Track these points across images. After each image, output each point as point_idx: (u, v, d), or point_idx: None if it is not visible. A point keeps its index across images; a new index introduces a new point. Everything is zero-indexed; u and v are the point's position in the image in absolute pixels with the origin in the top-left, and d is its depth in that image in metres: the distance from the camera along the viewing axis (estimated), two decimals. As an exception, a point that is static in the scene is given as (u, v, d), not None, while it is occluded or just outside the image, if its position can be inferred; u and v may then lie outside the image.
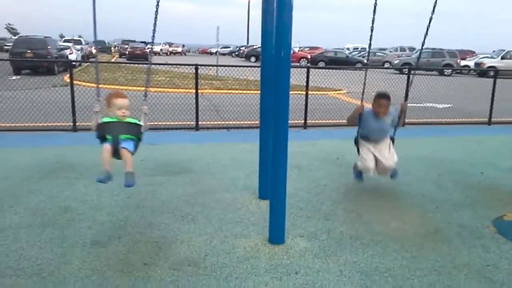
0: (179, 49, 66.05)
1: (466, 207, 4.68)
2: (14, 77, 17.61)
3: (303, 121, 9.37)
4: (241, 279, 3.17)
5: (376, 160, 4.81)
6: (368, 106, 4.88)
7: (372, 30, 4.69)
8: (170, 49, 62.20)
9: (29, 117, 8.65)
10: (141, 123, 3.85)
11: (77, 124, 8.12)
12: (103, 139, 3.76)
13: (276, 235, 3.75)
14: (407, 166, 6.19)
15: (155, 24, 4.02)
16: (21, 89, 12.96)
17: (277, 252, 3.57)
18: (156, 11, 4.00)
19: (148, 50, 34.14)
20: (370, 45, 4.98)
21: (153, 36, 4.10)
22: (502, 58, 29.91)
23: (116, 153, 3.67)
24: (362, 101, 4.85)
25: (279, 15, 3.48)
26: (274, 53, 3.61)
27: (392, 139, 5.02)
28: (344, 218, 4.31)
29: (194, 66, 8.97)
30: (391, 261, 3.47)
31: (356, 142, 5.02)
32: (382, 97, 4.78)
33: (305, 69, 9.86)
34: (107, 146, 3.65)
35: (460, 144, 8.01)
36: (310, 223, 4.17)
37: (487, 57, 32.64)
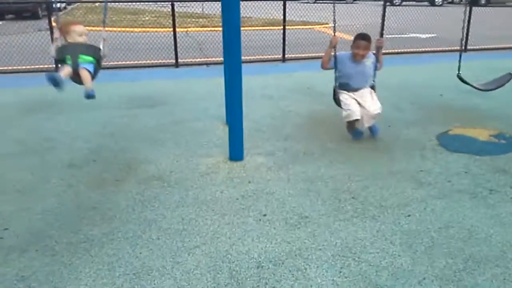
0: None
1: (416, 124, 5.08)
2: (-2, 23, 17.50)
3: (281, 56, 9.58)
4: (200, 189, 3.61)
5: (360, 106, 4.47)
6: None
7: None
8: None
9: (13, 60, 8.86)
10: (101, 47, 4.01)
11: (58, 66, 8.34)
12: (63, 62, 3.87)
13: (235, 153, 4.16)
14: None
15: None
16: (5, 34, 13.03)
17: (235, 167, 4.00)
18: None
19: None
20: None
21: None
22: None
23: (76, 76, 3.84)
24: (334, 33, 4.55)
25: None
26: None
27: (373, 87, 4.69)
28: (301, 138, 4.71)
29: (170, 3, 9.04)
30: (335, 170, 3.90)
31: (335, 93, 4.64)
32: (361, 38, 4.48)
33: (294, 4, 9.92)
34: (67, 67, 3.75)
35: (432, 70, 8.31)
36: (269, 143, 4.57)
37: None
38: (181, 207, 3.33)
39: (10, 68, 8.47)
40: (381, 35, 10.09)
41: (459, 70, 5.22)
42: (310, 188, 3.60)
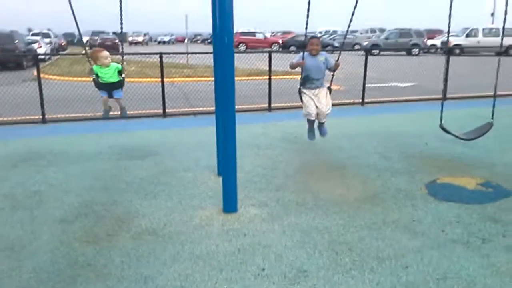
0: (140, 39, 59.19)
1: (405, 173, 5.17)
2: (-18, 74, 17.50)
3: (267, 105, 9.76)
4: (195, 242, 3.57)
5: (316, 107, 5.50)
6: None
7: (351, 21, 5.43)
8: (130, 39, 57.06)
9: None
10: (122, 70, 5.48)
11: (46, 116, 8.35)
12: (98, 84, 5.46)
13: (229, 205, 4.15)
14: (359, 141, 6.67)
15: (121, 14, 5.22)
16: (-11, 85, 12.99)
17: (229, 220, 3.98)
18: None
19: (117, 41, 34.16)
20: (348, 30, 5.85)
21: (121, 26, 5.43)
22: (467, 36, 30.72)
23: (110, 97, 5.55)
24: (303, 58, 5.44)
25: (220, 2, 3.81)
26: (218, 40, 3.96)
27: (330, 89, 5.66)
28: (293, 189, 4.73)
29: (159, 55, 9.22)
30: (330, 221, 3.92)
31: (300, 92, 5.62)
32: (312, 38, 5.66)
33: (278, 54, 10.22)
34: (105, 97, 5.53)
35: (414, 119, 8.54)
36: (262, 194, 4.58)
37: (453, 36, 33.48)
38: (177, 263, 3.28)
39: (-5, 119, 8.42)
40: (364, 85, 10.47)
41: (441, 120, 5.39)
42: (306, 240, 3.59)
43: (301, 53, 5.47)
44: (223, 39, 3.89)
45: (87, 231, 3.77)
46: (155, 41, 70.00)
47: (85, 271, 3.15)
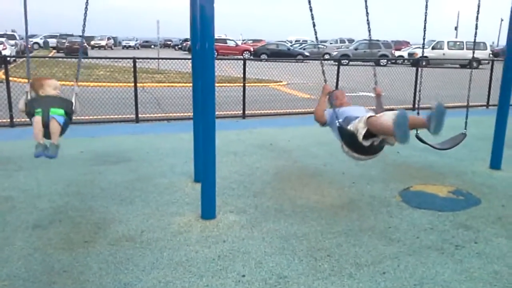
0: (103, 43, 54.17)
1: (379, 181, 5.28)
2: None
3: (241, 112, 9.79)
4: (174, 249, 3.54)
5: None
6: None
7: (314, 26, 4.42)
8: (92, 42, 51.46)
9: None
10: (73, 100, 4.10)
11: (14, 120, 8.11)
12: (32, 115, 3.93)
13: (208, 211, 4.13)
14: (334, 148, 6.74)
15: (85, 16, 4.31)
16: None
17: (208, 226, 3.96)
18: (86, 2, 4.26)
19: (85, 44, 33.61)
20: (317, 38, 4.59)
21: (83, 29, 4.41)
22: (433, 48, 31.69)
23: (46, 128, 3.89)
24: (325, 81, 4.73)
25: (201, 7, 3.81)
26: (199, 45, 3.97)
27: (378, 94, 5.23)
28: (271, 195, 4.76)
29: (132, 60, 9.13)
30: (308, 228, 3.96)
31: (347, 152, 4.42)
32: (336, 90, 4.88)
33: (249, 62, 10.27)
34: (38, 118, 3.86)
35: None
36: (240, 200, 4.59)
37: (420, 48, 34.48)
38: (156, 269, 3.24)
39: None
40: (336, 87, 10.63)
41: (417, 130, 5.53)
42: (285, 246, 3.61)
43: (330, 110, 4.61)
44: (204, 45, 3.91)
45: (63, 237, 3.67)
46: (120, 45, 67.28)
47: (61, 278, 3.08)
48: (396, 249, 3.61)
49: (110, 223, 3.98)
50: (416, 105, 6.03)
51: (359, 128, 4.07)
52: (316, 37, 4.55)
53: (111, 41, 61.48)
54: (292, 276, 3.18)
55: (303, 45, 45.26)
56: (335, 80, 10.82)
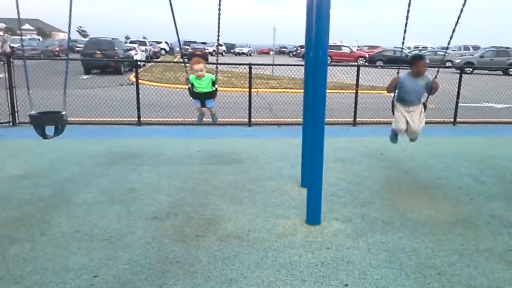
0: (210, 49, 43.48)
1: (501, 199, 4.85)
2: (85, 76, 19.02)
3: (352, 119, 9.64)
4: (278, 251, 3.61)
5: (407, 123, 5.27)
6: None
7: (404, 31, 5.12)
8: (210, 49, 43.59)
9: (99, 112, 9.55)
10: (215, 79, 5.63)
11: (141, 119, 8.89)
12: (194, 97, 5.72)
13: (313, 217, 4.15)
14: (451, 161, 6.37)
15: (218, 24, 5.31)
16: (91, 87, 14.12)
17: (312, 232, 3.98)
18: (219, 13, 5.17)
19: (206, 50, 35.74)
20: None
21: (218, 37, 5.49)
22: None
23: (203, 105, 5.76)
24: (398, 73, 5.26)
25: (317, 17, 3.86)
26: (312, 53, 4.01)
27: (425, 106, 5.37)
28: (379, 206, 4.63)
29: (248, 66, 9.48)
30: (418, 243, 3.78)
31: (393, 105, 5.40)
32: (419, 59, 5.29)
33: (363, 69, 10.11)
34: (198, 105, 5.77)
35: (511, 143, 7.98)
36: (346, 209, 4.53)
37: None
38: (260, 269, 3.34)
39: (96, 119, 9.11)
40: (457, 104, 9.98)
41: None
42: (392, 260, 3.49)
43: (399, 77, 5.21)
44: (318, 53, 3.95)
45: (177, 230, 3.95)
46: (232, 51, 65.41)
47: (174, 267, 3.31)
48: (517, 275, 3.29)
49: (220, 220, 4.18)
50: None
51: (394, 122, 5.38)
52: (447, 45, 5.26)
53: (223, 47, 58.85)
54: (397, 291, 3.07)
55: (423, 51, 43.10)
56: (456, 89, 10.15)
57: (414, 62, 5.23)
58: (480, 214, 4.45)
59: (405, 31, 5.04)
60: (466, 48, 42.96)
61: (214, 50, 55.35)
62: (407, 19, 4.95)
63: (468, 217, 4.37)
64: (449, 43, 5.17)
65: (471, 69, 21.08)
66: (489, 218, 4.33)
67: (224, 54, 57.92)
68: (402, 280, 3.20)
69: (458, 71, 11.41)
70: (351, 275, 3.26)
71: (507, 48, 31.33)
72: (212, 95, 5.72)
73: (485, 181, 5.49)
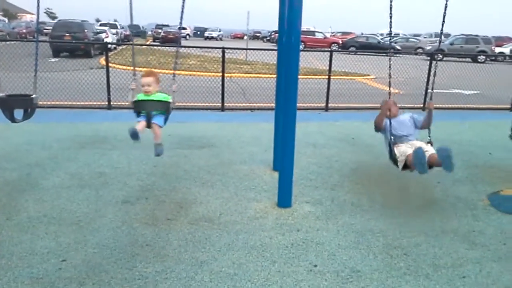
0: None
1: (466, 183, 5.00)
2: (53, 59, 18.52)
3: (324, 104, 9.71)
4: (249, 233, 3.64)
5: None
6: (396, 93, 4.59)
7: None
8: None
9: (68, 96, 9.33)
10: (170, 99, 4.35)
11: (111, 103, 8.74)
12: (138, 114, 4.37)
13: (284, 200, 4.19)
14: (419, 146, 6.50)
15: (182, 8, 4.51)
16: (60, 71, 13.75)
17: (283, 214, 4.02)
18: None
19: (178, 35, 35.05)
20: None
21: (181, 21, 4.61)
22: (540, 44, 29.06)
23: (148, 126, 4.29)
24: (390, 95, 4.70)
25: (290, 2, 3.85)
26: (285, 39, 4.00)
27: (430, 143, 4.64)
28: (349, 189, 4.71)
29: (221, 50, 9.40)
30: (385, 224, 3.87)
31: (390, 148, 4.49)
32: (388, 100, 4.75)
33: (336, 55, 10.15)
34: (142, 121, 4.26)
35: (478, 128, 8.21)
36: (317, 192, 4.59)
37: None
38: (231, 251, 3.36)
39: (65, 103, 8.90)
40: (426, 90, 10.16)
41: (511, 130, 5.16)
42: (361, 241, 3.57)
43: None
44: (290, 39, 3.95)
45: (148, 213, 3.93)
46: (198, 35, 61.25)
47: (144, 250, 3.30)
48: (479, 254, 3.42)
49: (192, 204, 4.18)
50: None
51: (400, 161, 4.34)
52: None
53: (188, 30, 55.95)
54: (365, 271, 3.14)
55: (395, 38, 43.60)
56: (426, 75, 10.33)
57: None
58: (446, 196, 4.58)
59: (390, 17, 4.44)
60: (437, 35, 43.67)
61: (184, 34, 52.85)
62: (391, 9, 4.38)
63: (434, 200, 4.49)
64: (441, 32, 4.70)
65: (441, 56, 21.45)
66: (455, 201, 4.47)
67: (188, 38, 55.06)
68: (370, 261, 3.27)
69: (429, 58, 11.60)
70: (320, 256, 3.31)
71: (476, 36, 31.98)
72: (163, 106, 4.29)
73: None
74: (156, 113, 4.30)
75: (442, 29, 4.59)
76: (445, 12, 4.52)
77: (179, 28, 5.08)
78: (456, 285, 2.99)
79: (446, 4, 4.46)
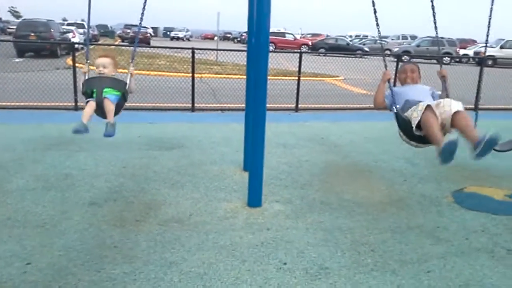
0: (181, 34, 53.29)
1: (431, 180, 5.13)
2: (17, 60, 18.03)
3: (294, 105, 9.79)
4: (219, 233, 3.63)
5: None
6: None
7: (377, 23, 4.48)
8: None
9: (33, 96, 9.10)
10: (127, 81, 4.21)
11: (78, 103, 8.57)
12: (89, 95, 4.16)
13: (254, 199, 4.20)
14: (387, 145, 6.63)
15: (143, 8, 4.46)
16: (25, 71, 13.37)
17: (253, 214, 4.04)
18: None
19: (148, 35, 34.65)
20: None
21: (141, 20, 4.65)
22: (501, 47, 30.07)
23: (99, 109, 4.12)
24: (386, 67, 4.57)
25: (258, 2, 3.87)
26: (254, 39, 4.02)
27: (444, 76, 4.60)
28: (318, 188, 4.76)
29: (191, 50, 9.36)
30: (353, 222, 3.93)
31: (399, 119, 4.19)
32: (407, 64, 4.60)
33: (306, 56, 10.25)
34: (91, 102, 4.06)
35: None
36: (286, 191, 4.63)
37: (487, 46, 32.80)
38: (201, 251, 3.35)
39: (30, 104, 8.68)
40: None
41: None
42: (329, 238, 3.62)
43: (391, 88, 4.38)
44: (259, 39, 3.97)
45: (116, 215, 3.87)
46: (167, 35, 60.50)
47: (112, 252, 3.25)
48: (444, 249, 3.51)
49: (161, 205, 4.14)
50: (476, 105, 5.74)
51: (413, 118, 4.02)
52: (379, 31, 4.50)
53: (150, 30, 51.59)
54: (333, 268, 3.19)
55: (363, 40, 44.34)
56: (393, 76, 10.54)
57: (399, 72, 4.63)
58: (412, 194, 4.69)
59: (376, 18, 4.44)
60: (404, 37, 44.70)
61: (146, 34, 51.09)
62: (375, 12, 4.40)
63: (401, 197, 4.59)
64: (436, 32, 4.81)
65: (408, 58, 21.94)
66: (420, 198, 4.58)
67: (150, 38, 52.83)
68: (338, 257, 3.32)
69: (396, 59, 11.84)
70: (289, 254, 3.34)
71: (442, 38, 32.84)
72: (118, 84, 4.16)
73: (418, 163, 5.78)
74: (109, 90, 4.11)
75: (436, 33, 4.79)
76: (434, 18, 4.58)
77: (138, 28, 5.02)
78: (421, 280, 3.07)
79: (433, 4, 4.47)
